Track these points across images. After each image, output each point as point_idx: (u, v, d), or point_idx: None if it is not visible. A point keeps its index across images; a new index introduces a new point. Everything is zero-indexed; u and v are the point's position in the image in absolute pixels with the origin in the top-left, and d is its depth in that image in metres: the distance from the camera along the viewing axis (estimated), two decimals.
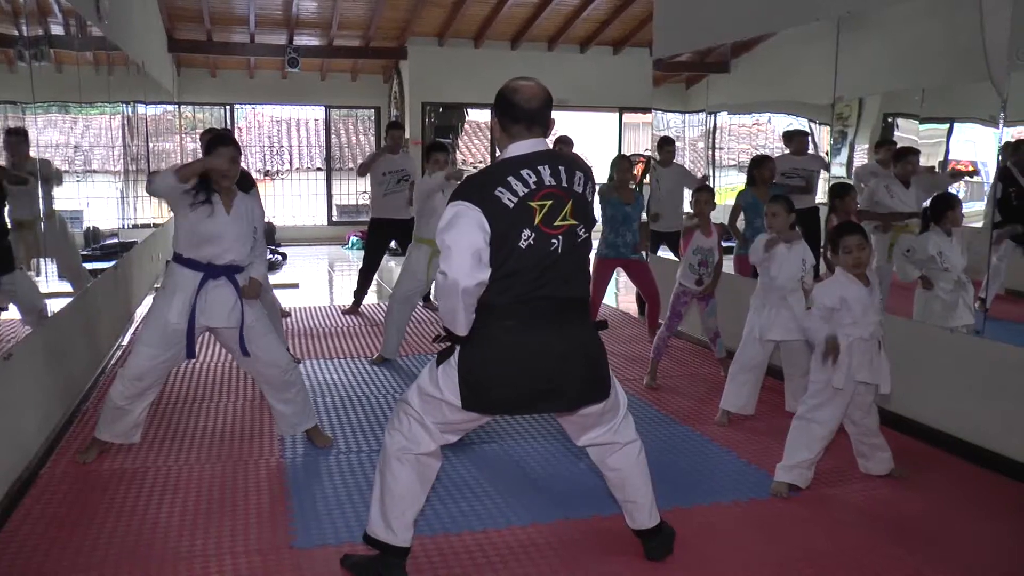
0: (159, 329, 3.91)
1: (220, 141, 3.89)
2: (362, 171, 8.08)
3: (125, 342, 6.53)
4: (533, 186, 2.60)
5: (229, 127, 14.37)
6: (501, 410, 2.79)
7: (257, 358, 4.09)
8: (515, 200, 2.57)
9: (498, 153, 2.81)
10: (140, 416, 4.07)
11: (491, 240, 2.56)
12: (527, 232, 2.59)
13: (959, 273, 4.48)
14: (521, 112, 2.68)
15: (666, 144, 7.41)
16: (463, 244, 2.53)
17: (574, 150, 7.87)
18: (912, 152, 5.00)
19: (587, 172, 2.76)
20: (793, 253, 4.55)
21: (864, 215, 5.11)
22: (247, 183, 5.90)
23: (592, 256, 3.90)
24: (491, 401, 2.70)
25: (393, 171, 7.81)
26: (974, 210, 4.59)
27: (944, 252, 4.53)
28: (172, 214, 3.97)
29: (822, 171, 5.80)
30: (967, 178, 4.71)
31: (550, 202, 2.61)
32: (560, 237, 2.64)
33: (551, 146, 2.82)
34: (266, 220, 13.73)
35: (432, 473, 2.93)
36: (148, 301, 7.51)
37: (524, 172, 2.61)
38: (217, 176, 3.83)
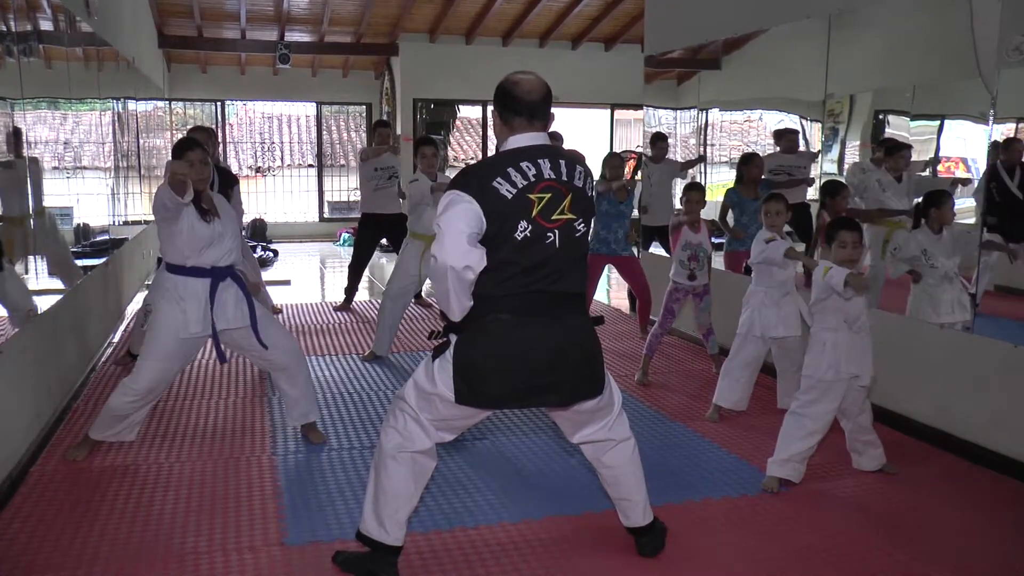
0: (170, 341, 3.87)
1: (186, 146, 3.82)
2: (363, 156, 8.15)
3: (116, 339, 6.51)
4: (532, 178, 2.60)
5: (220, 123, 14.34)
6: (495, 404, 2.77)
7: (273, 346, 4.11)
8: (514, 191, 2.57)
9: (492, 148, 2.81)
10: (140, 416, 4.07)
11: (487, 231, 2.56)
12: (524, 224, 2.58)
13: (949, 270, 4.49)
14: (522, 105, 2.68)
15: (658, 140, 7.43)
16: (456, 228, 2.53)
17: (563, 146, 7.88)
18: (904, 147, 5.02)
19: (587, 167, 2.76)
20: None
21: (852, 213, 5.12)
22: (230, 179, 5.89)
23: None
24: (485, 395, 2.68)
25: (383, 168, 7.89)
26: (966, 207, 4.61)
27: (929, 250, 4.54)
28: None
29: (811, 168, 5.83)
30: (962, 185, 4.73)
31: (549, 195, 2.61)
32: (557, 231, 2.63)
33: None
34: (257, 216, 13.86)
35: (427, 472, 2.93)
36: (139, 298, 7.49)
37: (524, 164, 2.61)
38: (195, 182, 3.74)
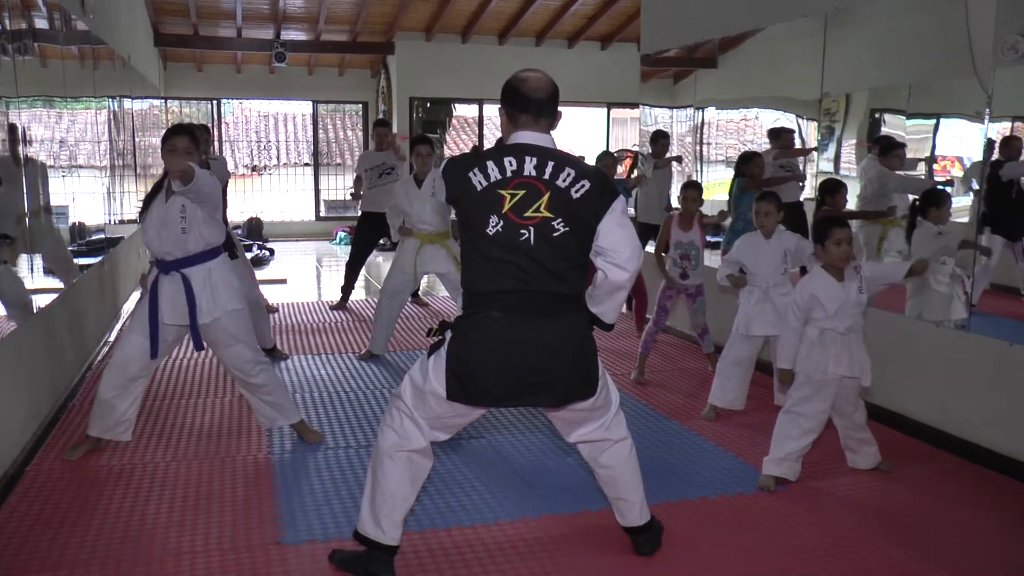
0: (144, 318, 3.93)
1: (174, 132, 3.84)
2: (359, 169, 8.26)
3: (112, 338, 6.49)
4: (510, 174, 2.60)
5: (216, 122, 14.32)
6: (485, 401, 2.75)
7: (223, 359, 4.10)
8: (484, 184, 2.60)
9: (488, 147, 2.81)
10: (128, 412, 4.04)
11: (465, 217, 2.67)
12: (494, 219, 2.60)
13: (955, 266, 4.49)
14: (528, 102, 2.68)
15: (660, 138, 7.42)
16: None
17: (557, 144, 7.90)
18: (899, 145, 5.02)
19: (581, 170, 2.65)
20: (772, 246, 4.57)
21: (853, 215, 5.13)
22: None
23: None
24: (475, 391, 2.68)
25: (376, 166, 7.93)
26: (961, 205, 4.61)
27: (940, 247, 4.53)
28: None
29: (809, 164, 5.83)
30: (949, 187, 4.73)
31: (523, 192, 2.60)
32: (531, 228, 2.60)
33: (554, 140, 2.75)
34: (254, 215, 13.84)
35: (423, 473, 2.93)
36: (135, 297, 7.47)
37: (507, 159, 2.62)
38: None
